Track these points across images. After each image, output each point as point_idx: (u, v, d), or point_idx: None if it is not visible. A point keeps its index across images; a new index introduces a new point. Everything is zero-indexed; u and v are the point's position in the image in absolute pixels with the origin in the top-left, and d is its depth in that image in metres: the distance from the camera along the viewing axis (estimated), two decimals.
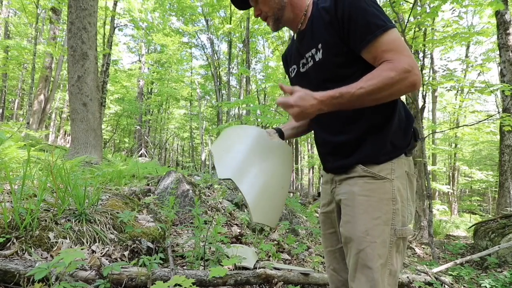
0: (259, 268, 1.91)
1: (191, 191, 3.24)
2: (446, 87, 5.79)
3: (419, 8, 4.65)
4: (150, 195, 3.10)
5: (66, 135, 19.15)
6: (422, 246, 5.45)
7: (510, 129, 4.89)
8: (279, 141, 1.05)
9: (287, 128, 1.21)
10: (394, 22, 0.91)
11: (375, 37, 0.85)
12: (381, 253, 0.89)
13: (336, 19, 0.91)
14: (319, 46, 0.97)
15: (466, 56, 13.70)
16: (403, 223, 0.93)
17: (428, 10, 4.62)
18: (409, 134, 0.99)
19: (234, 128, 1.10)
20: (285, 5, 1.01)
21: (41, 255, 1.46)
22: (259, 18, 1.06)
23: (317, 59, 0.99)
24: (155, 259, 1.54)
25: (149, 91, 21.02)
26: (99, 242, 1.70)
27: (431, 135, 12.13)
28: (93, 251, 1.63)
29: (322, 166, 1.16)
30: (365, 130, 0.96)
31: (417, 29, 5.35)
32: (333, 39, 0.94)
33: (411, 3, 4.43)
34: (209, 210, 3.30)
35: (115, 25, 12.76)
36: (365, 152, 0.96)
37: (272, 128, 1.18)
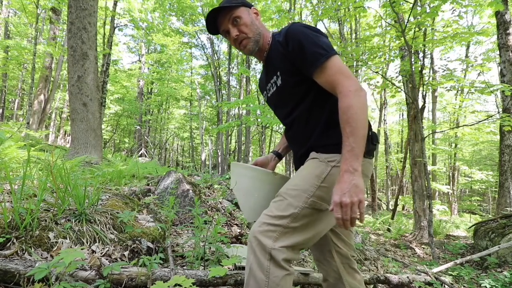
0: None
1: (191, 191, 3.24)
2: (446, 87, 5.79)
3: (419, 8, 4.64)
4: (150, 195, 3.10)
5: (66, 135, 19.15)
6: (422, 246, 5.45)
7: (510, 129, 4.90)
8: (270, 173, 1.29)
9: (282, 147, 1.42)
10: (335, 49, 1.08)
11: (321, 63, 1.02)
12: (284, 209, 1.04)
13: (288, 52, 1.09)
14: (278, 73, 1.16)
15: (466, 56, 13.70)
16: (323, 200, 1.05)
17: (428, 10, 4.61)
18: None
19: (239, 169, 1.33)
20: (260, 33, 1.20)
21: (41, 255, 1.46)
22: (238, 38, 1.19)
23: (278, 84, 1.17)
24: (155, 259, 1.54)
25: (149, 91, 21.02)
26: (99, 242, 1.70)
27: (431, 135, 12.13)
28: (93, 251, 1.63)
29: None
30: (320, 139, 1.13)
31: (417, 29, 5.34)
32: (288, 67, 1.12)
33: (411, 3, 4.43)
34: (209, 210, 3.30)
35: (115, 25, 12.76)
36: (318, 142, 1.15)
37: (271, 152, 1.42)
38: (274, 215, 1.03)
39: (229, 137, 20.42)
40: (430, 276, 2.53)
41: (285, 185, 1.12)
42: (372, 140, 1.10)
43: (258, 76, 18.24)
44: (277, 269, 0.97)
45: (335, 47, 6.76)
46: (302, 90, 1.13)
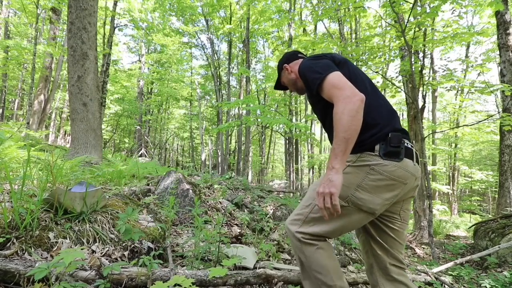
0: (259, 268, 1.91)
1: (191, 191, 3.24)
2: (446, 87, 5.78)
3: (419, 8, 4.64)
4: (150, 195, 3.10)
5: (66, 135, 19.14)
6: (422, 246, 5.45)
7: (510, 129, 4.89)
8: None
9: None
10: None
11: (319, 84, 1.21)
12: (306, 201, 1.28)
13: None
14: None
15: (466, 56, 13.70)
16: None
17: (428, 10, 4.61)
18: (369, 138, 1.20)
19: None
20: (294, 79, 1.49)
21: (41, 255, 1.46)
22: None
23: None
24: (161, 259, 1.54)
25: (149, 91, 21.01)
26: (99, 242, 1.70)
27: (431, 135, 12.12)
28: (93, 251, 1.63)
29: None
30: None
31: (417, 29, 5.34)
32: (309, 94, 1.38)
33: (411, 3, 4.43)
34: (209, 210, 3.30)
35: (115, 25, 12.75)
36: None
37: None
38: (301, 205, 1.27)
39: (229, 137, 20.42)
40: (430, 276, 2.53)
41: None
42: (390, 142, 1.18)
43: (258, 76, 18.26)
44: (307, 247, 1.19)
45: (335, 47, 6.75)
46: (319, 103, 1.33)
